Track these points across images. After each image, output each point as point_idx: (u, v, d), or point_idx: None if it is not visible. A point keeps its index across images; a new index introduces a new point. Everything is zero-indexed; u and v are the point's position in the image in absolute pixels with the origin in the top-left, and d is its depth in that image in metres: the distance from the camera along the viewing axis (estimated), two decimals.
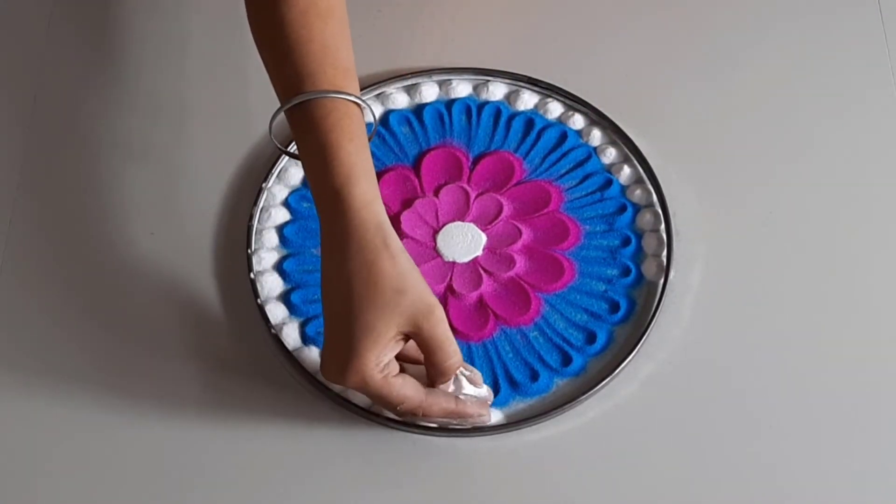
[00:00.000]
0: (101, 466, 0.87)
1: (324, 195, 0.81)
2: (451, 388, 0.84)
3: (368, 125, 0.84)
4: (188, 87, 1.00)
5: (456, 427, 0.86)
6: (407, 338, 0.81)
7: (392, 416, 0.86)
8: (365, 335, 0.79)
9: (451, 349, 0.81)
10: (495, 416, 0.87)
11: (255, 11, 0.87)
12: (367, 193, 0.81)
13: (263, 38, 0.86)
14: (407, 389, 0.81)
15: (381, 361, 0.80)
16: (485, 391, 0.86)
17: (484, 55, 1.00)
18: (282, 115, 0.84)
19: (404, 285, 0.80)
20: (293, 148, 0.86)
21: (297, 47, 0.83)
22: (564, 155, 0.97)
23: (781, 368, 0.89)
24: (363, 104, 0.84)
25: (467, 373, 0.85)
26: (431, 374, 0.83)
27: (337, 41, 0.84)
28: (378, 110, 0.98)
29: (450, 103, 0.99)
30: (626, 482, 0.86)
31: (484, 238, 0.93)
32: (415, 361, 0.84)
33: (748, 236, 0.94)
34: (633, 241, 0.93)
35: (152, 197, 0.96)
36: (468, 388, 0.85)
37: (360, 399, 0.88)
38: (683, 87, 1.00)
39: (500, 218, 0.94)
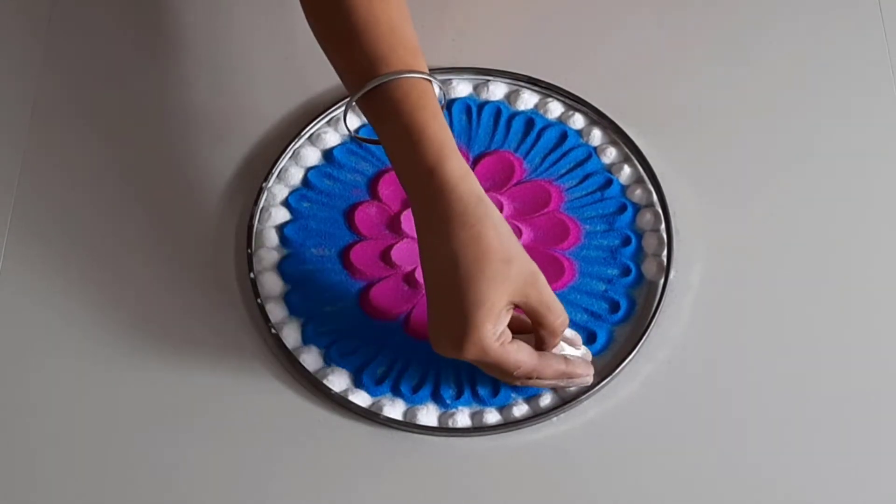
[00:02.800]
0: (99, 467, 0.87)
1: (416, 175, 0.82)
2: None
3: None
4: (188, 86, 1.00)
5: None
6: (515, 306, 0.82)
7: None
8: (479, 307, 0.80)
9: (558, 309, 0.83)
10: (495, 417, 0.88)
11: (313, 1, 0.87)
12: (461, 168, 0.82)
13: (326, 27, 0.86)
14: (522, 355, 0.83)
15: (497, 331, 0.81)
16: (582, 351, 0.88)
17: (484, 55, 1.00)
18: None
19: (510, 255, 0.81)
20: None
21: (364, 32, 0.83)
22: (564, 155, 0.97)
23: (781, 368, 0.89)
24: (434, 81, 0.84)
25: (569, 335, 0.87)
26: (542, 337, 0.84)
27: (401, 21, 0.85)
28: None
29: (450, 103, 0.99)
30: (626, 482, 0.86)
31: None
32: (521, 331, 0.85)
33: (748, 236, 0.94)
34: (634, 240, 0.93)
35: (152, 197, 0.96)
36: (568, 350, 0.86)
37: (361, 399, 0.88)
38: (684, 87, 1.00)
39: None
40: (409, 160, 0.82)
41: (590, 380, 0.87)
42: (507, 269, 0.81)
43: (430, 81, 0.84)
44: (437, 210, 0.81)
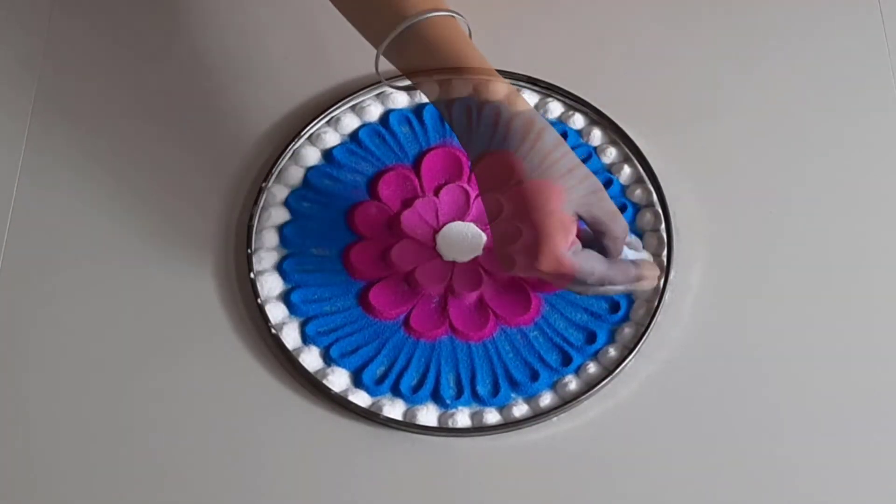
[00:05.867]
0: (99, 468, 0.87)
1: (462, 99, 0.86)
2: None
3: None
4: (188, 85, 1.00)
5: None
6: (578, 218, 0.84)
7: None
8: (548, 217, 0.82)
9: (620, 217, 0.85)
10: (495, 417, 0.88)
11: None
12: (509, 87, 0.85)
13: None
14: (594, 261, 0.84)
15: (567, 240, 0.83)
16: (646, 254, 0.90)
17: (484, 55, 1.00)
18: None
19: (571, 165, 0.83)
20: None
21: None
22: None
23: (781, 368, 0.89)
24: (463, 18, 0.88)
25: (629, 240, 0.88)
26: (606, 246, 0.86)
27: None
28: (378, 110, 0.98)
29: (450, 103, 0.98)
30: (626, 482, 0.86)
31: (484, 238, 0.93)
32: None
33: (748, 236, 0.94)
34: None
35: (152, 197, 0.96)
36: (632, 255, 0.88)
37: (361, 399, 0.88)
38: (684, 87, 1.00)
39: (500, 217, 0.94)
40: (453, 86, 0.85)
41: (656, 280, 0.88)
42: (570, 180, 0.82)
43: (456, 17, 0.87)
44: (492, 127, 0.84)
